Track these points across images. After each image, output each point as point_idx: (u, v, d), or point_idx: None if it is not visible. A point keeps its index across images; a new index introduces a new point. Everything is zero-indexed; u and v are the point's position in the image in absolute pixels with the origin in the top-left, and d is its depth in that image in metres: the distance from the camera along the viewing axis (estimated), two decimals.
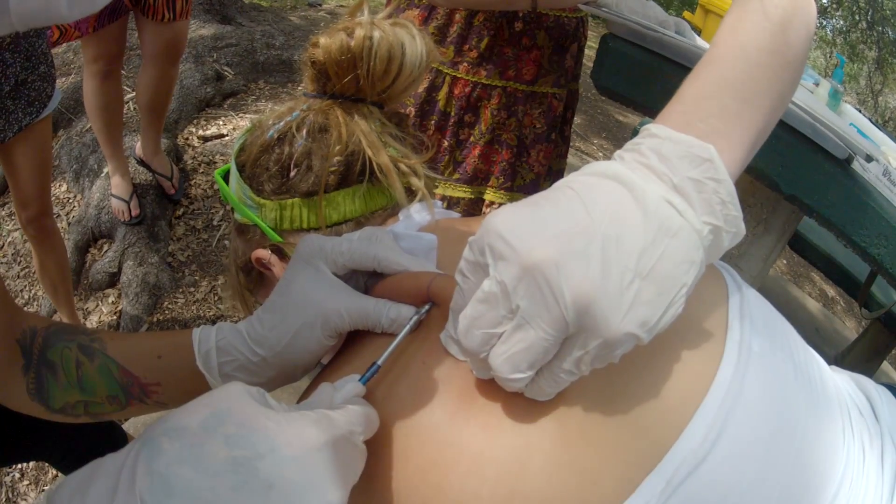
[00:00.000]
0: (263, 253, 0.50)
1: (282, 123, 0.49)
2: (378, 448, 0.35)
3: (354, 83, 0.47)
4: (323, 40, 0.46)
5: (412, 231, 0.48)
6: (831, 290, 2.95)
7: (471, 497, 0.32)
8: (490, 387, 0.35)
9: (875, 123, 1.27)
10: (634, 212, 0.31)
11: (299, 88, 2.47)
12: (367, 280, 0.44)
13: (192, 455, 0.28)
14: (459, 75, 0.98)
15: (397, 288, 0.41)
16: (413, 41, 0.47)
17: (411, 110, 0.99)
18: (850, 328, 2.67)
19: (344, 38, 0.45)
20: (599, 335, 0.29)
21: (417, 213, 0.50)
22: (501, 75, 0.99)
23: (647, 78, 0.90)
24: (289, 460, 0.29)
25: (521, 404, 0.34)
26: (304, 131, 0.48)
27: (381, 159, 0.48)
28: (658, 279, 0.30)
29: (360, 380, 0.36)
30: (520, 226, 0.30)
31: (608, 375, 0.35)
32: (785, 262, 3.02)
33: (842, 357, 2.18)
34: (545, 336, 0.29)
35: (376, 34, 0.45)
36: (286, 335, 0.41)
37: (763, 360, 0.39)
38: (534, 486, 0.32)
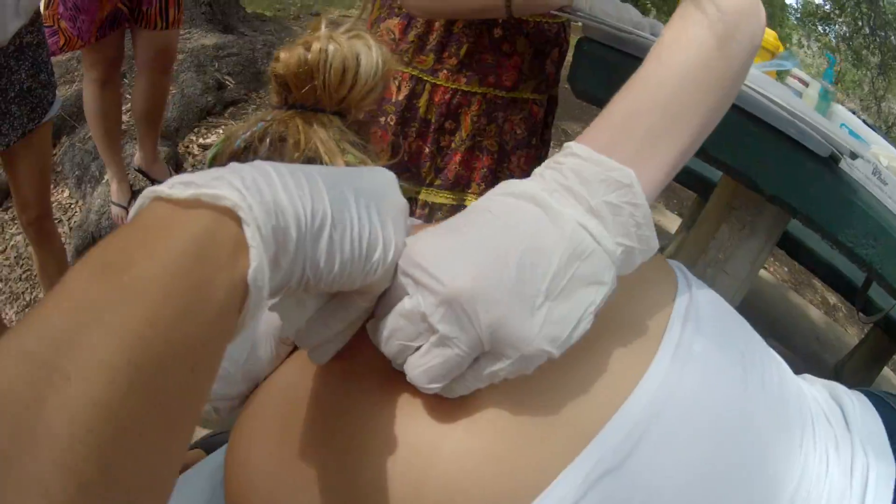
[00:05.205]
0: None
1: (248, 133, 0.51)
2: (308, 424, 0.36)
3: (313, 94, 0.49)
4: (283, 54, 0.49)
5: None
6: (833, 298, 2.92)
7: (385, 478, 0.33)
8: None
9: (870, 125, 1.26)
10: (550, 236, 0.34)
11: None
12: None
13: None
14: (439, 82, 0.99)
15: None
16: (369, 52, 0.49)
17: (392, 118, 1.00)
18: (851, 335, 2.63)
19: (301, 52, 0.48)
20: (512, 353, 0.32)
21: None
22: (481, 82, 1.00)
23: (623, 80, 0.89)
24: (378, 172, 0.36)
25: (437, 394, 0.35)
26: (267, 141, 0.50)
27: (338, 165, 0.49)
28: (567, 300, 0.33)
29: None
30: (440, 256, 0.33)
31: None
32: (786, 269, 2.99)
33: (842, 364, 2.15)
34: (461, 353, 0.32)
35: (331, 47, 0.48)
36: (245, 349, 0.44)
37: (706, 363, 0.39)
38: (446, 472, 0.33)
